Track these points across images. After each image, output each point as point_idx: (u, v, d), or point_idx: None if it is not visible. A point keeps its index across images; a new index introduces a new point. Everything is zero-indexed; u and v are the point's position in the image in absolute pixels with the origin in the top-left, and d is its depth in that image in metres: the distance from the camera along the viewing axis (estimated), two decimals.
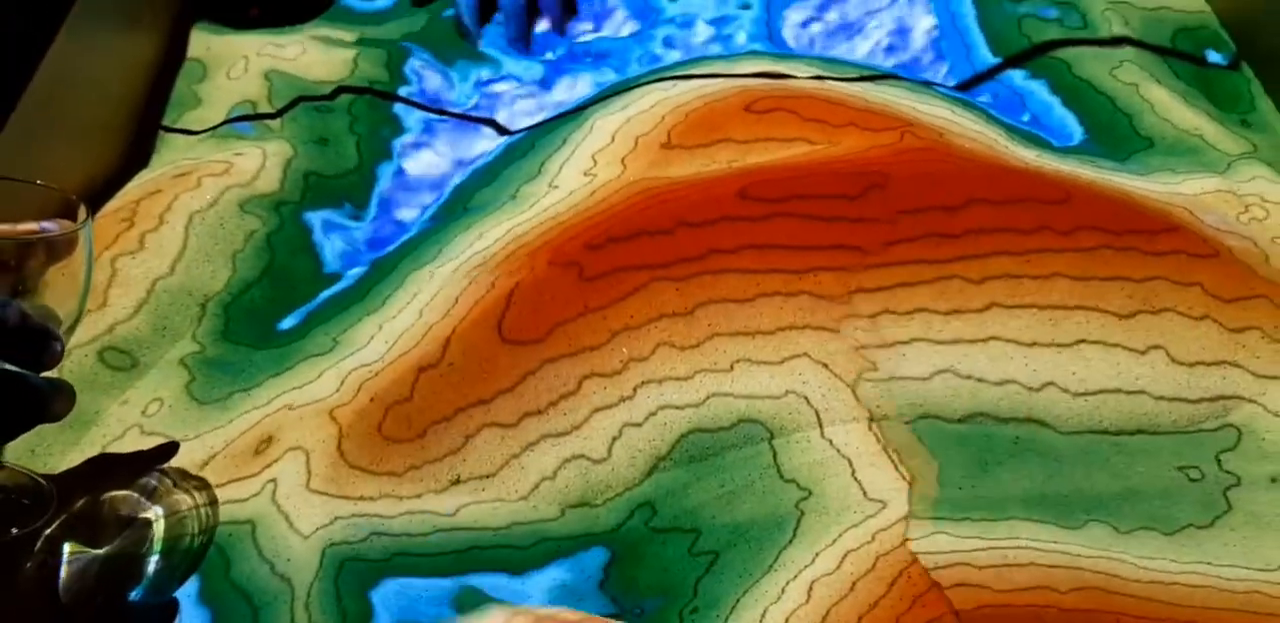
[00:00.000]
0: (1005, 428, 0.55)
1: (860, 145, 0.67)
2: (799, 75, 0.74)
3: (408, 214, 0.74)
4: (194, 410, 0.58)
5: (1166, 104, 0.71)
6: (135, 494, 0.53)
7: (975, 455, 0.54)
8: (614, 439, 0.57)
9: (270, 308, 0.65)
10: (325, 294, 0.66)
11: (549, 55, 0.85)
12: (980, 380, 0.57)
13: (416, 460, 0.55)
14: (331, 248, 0.70)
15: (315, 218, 0.71)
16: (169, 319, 0.63)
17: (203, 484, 0.53)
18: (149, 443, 0.56)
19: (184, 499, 0.53)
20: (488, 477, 0.56)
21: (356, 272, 0.68)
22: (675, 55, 0.82)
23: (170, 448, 0.55)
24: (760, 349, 0.59)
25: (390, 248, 0.70)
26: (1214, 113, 0.71)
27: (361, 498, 0.54)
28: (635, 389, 0.58)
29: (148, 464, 0.54)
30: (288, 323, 0.64)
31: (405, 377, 0.57)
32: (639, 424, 0.57)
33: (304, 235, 0.70)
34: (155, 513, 0.52)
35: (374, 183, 0.75)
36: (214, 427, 0.57)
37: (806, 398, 0.57)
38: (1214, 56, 0.76)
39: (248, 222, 0.68)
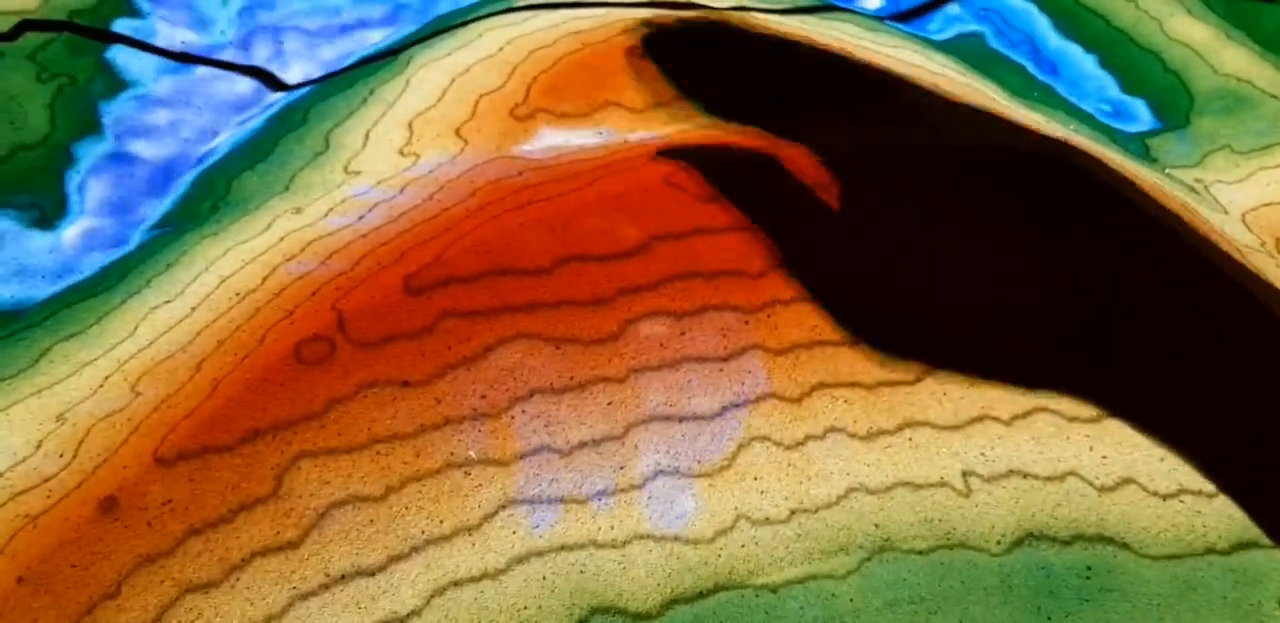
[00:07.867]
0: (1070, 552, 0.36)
1: None
2: (711, 4, 0.52)
3: (127, 215, 0.48)
4: None
5: (1204, 44, 0.53)
6: None
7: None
8: None
9: None
10: None
11: None
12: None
13: None
14: (2, 271, 0.44)
15: None
16: None
17: None
18: None
19: None
20: None
21: (35, 313, 0.43)
22: None
23: None
24: None
25: (93, 272, 0.45)
26: (1261, 52, 0.53)
27: None
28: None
29: None
30: None
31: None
32: None
33: None
34: None
35: (72, 166, 0.48)
36: None
37: None
38: None
39: None
